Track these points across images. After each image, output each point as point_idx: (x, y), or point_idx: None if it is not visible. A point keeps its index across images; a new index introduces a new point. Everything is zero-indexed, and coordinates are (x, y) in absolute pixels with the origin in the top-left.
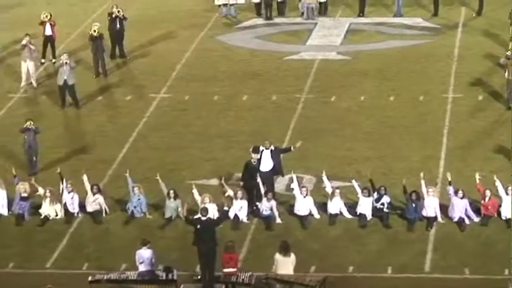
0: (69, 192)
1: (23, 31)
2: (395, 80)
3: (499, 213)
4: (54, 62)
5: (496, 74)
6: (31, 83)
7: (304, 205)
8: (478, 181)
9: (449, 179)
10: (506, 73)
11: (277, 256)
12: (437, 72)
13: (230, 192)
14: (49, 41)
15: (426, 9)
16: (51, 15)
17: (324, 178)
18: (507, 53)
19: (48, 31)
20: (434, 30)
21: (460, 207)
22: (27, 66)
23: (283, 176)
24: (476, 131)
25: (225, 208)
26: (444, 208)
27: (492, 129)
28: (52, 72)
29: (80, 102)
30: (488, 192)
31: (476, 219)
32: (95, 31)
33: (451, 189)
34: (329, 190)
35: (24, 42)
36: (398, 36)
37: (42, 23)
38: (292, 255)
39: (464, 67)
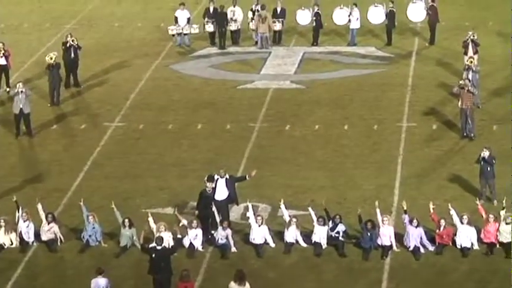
0: (24, 221)
1: None
2: (350, 109)
3: (453, 242)
4: (9, 91)
5: (449, 103)
6: None
7: (259, 234)
8: (432, 210)
9: (405, 208)
10: (460, 102)
11: (232, 285)
12: (391, 101)
13: (184, 222)
14: (3, 70)
15: (380, 38)
16: (3, 44)
17: (282, 207)
18: (460, 82)
19: (1, 61)
20: (387, 59)
21: (415, 236)
22: None
23: (238, 204)
24: (431, 159)
25: (179, 236)
26: (399, 237)
27: (446, 158)
28: (5, 101)
29: (35, 131)
30: (443, 222)
31: (431, 247)
32: (51, 58)
33: (406, 218)
34: (286, 219)
35: None
36: (352, 65)
37: None
38: (247, 285)
39: (418, 96)
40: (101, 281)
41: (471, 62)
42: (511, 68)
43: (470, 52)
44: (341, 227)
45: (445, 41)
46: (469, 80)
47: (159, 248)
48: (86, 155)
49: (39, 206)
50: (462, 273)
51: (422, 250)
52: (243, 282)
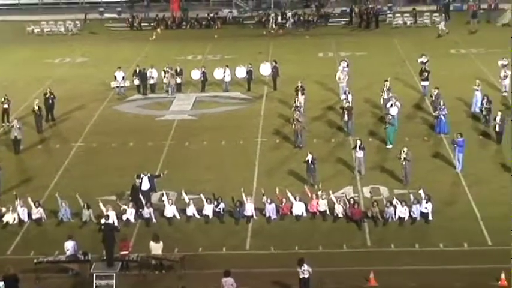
0: (21, 207)
1: None
2: (225, 131)
3: (291, 212)
4: (8, 125)
5: (287, 126)
6: None
7: (170, 210)
8: (277, 193)
9: (263, 192)
10: (293, 126)
11: (151, 243)
12: (251, 125)
13: (123, 206)
14: (6, 112)
15: (243, 86)
16: (6, 95)
17: (184, 193)
18: (294, 114)
19: (5, 106)
20: (248, 100)
21: (269, 209)
22: None
23: (156, 192)
24: (276, 161)
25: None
26: (259, 210)
27: (286, 160)
28: (7, 131)
29: (27, 149)
30: (284, 200)
31: (277, 216)
32: (36, 104)
33: (264, 198)
34: (187, 201)
35: None
36: (227, 104)
37: (2, 102)
38: (161, 242)
39: (267, 122)
40: (70, 243)
41: (299, 102)
42: (325, 103)
43: (300, 95)
44: (222, 205)
45: (284, 87)
46: (299, 112)
47: (107, 222)
48: (59, 164)
49: (29, 198)
50: (297, 231)
51: (272, 217)
52: (158, 241)
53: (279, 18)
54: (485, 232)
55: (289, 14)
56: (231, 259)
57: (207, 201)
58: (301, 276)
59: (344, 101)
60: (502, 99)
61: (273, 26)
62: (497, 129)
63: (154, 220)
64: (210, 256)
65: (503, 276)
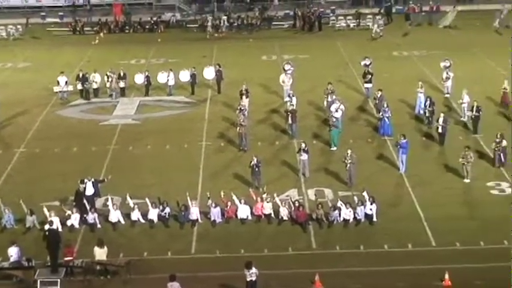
0: None
1: None
2: (170, 135)
3: (236, 215)
4: None
5: (231, 129)
6: None
7: (114, 215)
8: (222, 196)
9: (208, 195)
10: (238, 129)
11: (96, 248)
12: (195, 129)
13: (67, 211)
14: None
15: (187, 90)
16: None
17: (128, 198)
18: (239, 118)
19: None
20: (192, 103)
21: (215, 212)
22: None
23: (100, 197)
24: (220, 164)
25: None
26: (204, 213)
27: (231, 163)
28: None
29: None
30: (229, 203)
31: (222, 219)
32: None
33: (209, 202)
34: (131, 205)
35: None
36: (171, 108)
37: None
38: (105, 248)
39: (211, 126)
40: (14, 249)
41: (243, 105)
42: (269, 106)
43: (244, 98)
44: (167, 209)
45: (228, 90)
46: (243, 116)
47: (50, 227)
48: (2, 170)
49: None
50: (242, 234)
51: (217, 221)
52: (103, 246)
53: (219, 21)
54: (429, 233)
55: (224, 17)
56: (177, 263)
57: (152, 205)
58: (248, 279)
59: (288, 104)
60: (445, 101)
61: (210, 29)
62: (439, 130)
63: (98, 225)
64: (155, 261)
65: (446, 276)
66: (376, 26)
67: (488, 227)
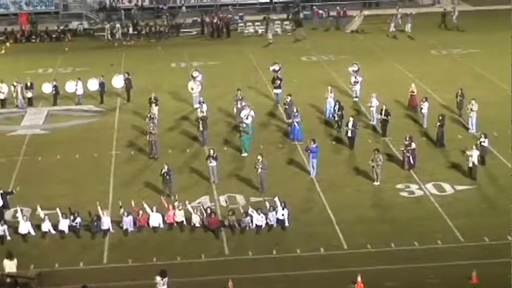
0: None
1: None
2: (80, 145)
3: (148, 224)
4: None
5: (141, 137)
6: None
7: (24, 226)
8: (134, 205)
9: (120, 204)
10: (148, 137)
11: (5, 261)
12: (105, 138)
13: None
14: None
15: (96, 99)
16: None
17: (39, 209)
18: (148, 126)
19: None
20: (101, 112)
21: (127, 221)
22: None
23: (9, 209)
24: (132, 173)
25: None
26: (116, 223)
27: (142, 172)
28: None
29: None
30: (141, 212)
31: (134, 228)
32: None
33: (121, 210)
34: (42, 216)
35: None
36: (80, 117)
37: None
38: (15, 259)
39: (121, 134)
40: None
41: (153, 113)
42: (179, 114)
43: (154, 106)
44: (78, 219)
45: (136, 99)
46: (153, 124)
47: None
48: None
49: None
50: (155, 242)
51: (130, 230)
52: (12, 258)
53: (127, 29)
54: (341, 236)
55: (118, 25)
56: (89, 274)
57: (62, 216)
58: None
59: (199, 111)
60: (354, 105)
61: (109, 37)
62: (349, 134)
63: (8, 237)
64: (67, 271)
65: (359, 278)
66: (269, 33)
67: (398, 229)
